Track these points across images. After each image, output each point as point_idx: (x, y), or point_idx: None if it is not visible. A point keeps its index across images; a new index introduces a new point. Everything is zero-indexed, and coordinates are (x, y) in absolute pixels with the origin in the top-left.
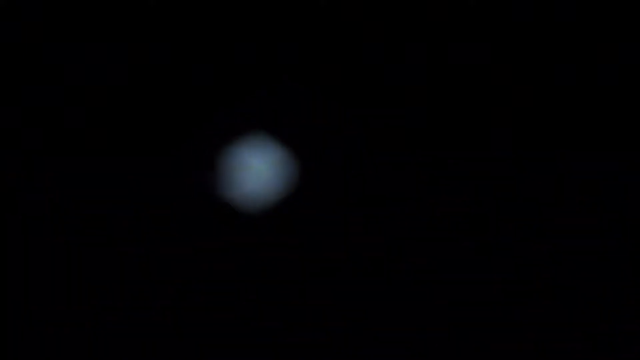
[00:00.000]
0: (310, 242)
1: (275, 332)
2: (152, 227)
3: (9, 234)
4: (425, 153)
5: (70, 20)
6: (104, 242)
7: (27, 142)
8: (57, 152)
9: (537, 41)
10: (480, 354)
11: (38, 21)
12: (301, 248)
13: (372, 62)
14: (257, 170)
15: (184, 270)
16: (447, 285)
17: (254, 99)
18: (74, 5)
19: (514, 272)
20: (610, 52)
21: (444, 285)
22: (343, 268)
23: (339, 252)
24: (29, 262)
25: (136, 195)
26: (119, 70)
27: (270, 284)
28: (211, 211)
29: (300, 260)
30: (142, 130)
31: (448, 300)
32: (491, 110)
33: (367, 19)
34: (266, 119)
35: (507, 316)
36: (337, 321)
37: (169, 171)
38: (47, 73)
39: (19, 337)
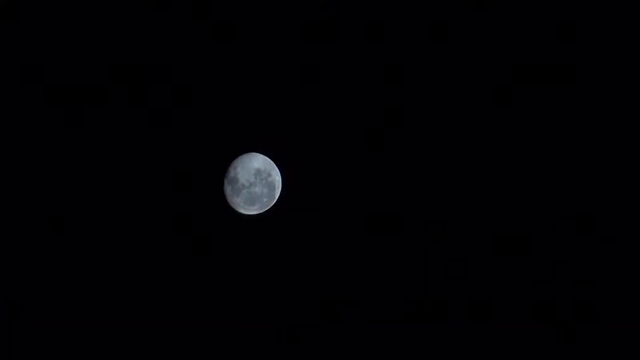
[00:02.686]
0: (309, 241)
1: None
2: (152, 227)
3: (9, 233)
4: (425, 153)
5: (70, 20)
6: (104, 241)
7: (27, 141)
8: (57, 152)
9: (537, 41)
10: (478, 352)
11: (38, 21)
12: (299, 247)
13: (372, 62)
14: (257, 171)
15: (183, 270)
16: (447, 284)
17: (254, 99)
18: (74, 5)
19: (514, 271)
20: (610, 52)
21: (443, 284)
22: (341, 267)
23: (337, 252)
24: (28, 261)
25: (136, 195)
26: (120, 70)
27: (268, 283)
28: (210, 211)
29: (298, 260)
30: (142, 131)
31: (447, 299)
32: (491, 110)
33: (368, 19)
34: (266, 119)
35: (506, 315)
36: (335, 320)
37: (168, 170)
38: (49, 73)
39: (19, 336)
